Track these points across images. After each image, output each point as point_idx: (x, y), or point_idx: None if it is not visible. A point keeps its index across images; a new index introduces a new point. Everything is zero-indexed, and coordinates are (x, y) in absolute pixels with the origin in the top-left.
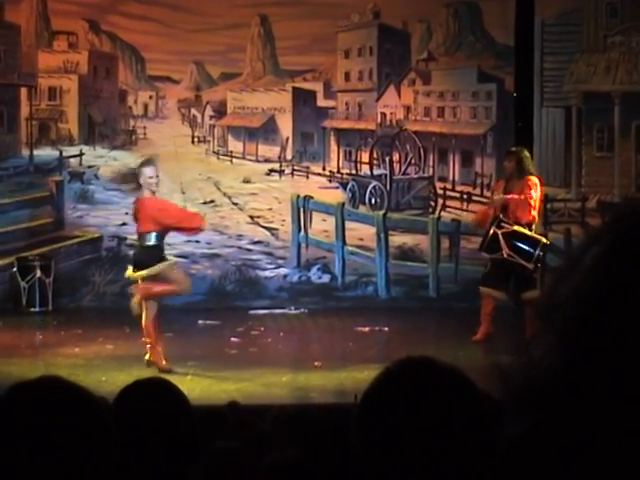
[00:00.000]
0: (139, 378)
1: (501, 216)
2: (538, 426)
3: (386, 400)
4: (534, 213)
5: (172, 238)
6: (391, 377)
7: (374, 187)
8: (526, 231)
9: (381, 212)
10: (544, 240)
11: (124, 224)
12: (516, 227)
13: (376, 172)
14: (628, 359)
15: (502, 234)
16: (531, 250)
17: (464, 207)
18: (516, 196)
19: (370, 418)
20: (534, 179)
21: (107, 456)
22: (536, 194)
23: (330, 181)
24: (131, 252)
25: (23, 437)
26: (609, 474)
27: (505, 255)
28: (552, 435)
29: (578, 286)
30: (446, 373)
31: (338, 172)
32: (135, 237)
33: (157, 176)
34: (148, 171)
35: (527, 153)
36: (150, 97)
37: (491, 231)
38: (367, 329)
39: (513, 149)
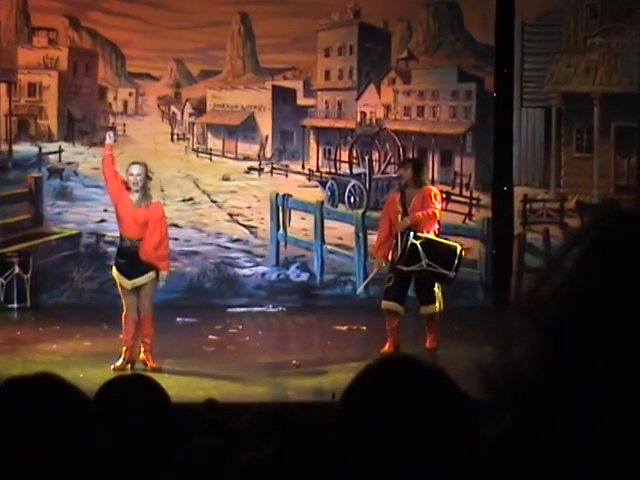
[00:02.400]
0: (120, 374)
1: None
2: (520, 423)
3: (367, 397)
4: (438, 217)
5: None
6: (372, 374)
7: (353, 186)
8: (442, 240)
9: (360, 211)
10: (459, 246)
11: (103, 221)
12: (430, 236)
13: (355, 171)
14: (610, 356)
15: (420, 244)
16: (450, 257)
17: (443, 207)
18: (420, 214)
19: (351, 415)
20: (433, 189)
21: (94, 455)
22: (439, 204)
23: (309, 179)
24: (110, 249)
25: (13, 433)
26: (589, 469)
27: (425, 265)
28: (533, 432)
29: (560, 286)
30: (427, 371)
31: (317, 171)
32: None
33: (139, 175)
34: (131, 169)
35: (422, 163)
36: (130, 94)
37: (409, 243)
38: (345, 328)
39: (408, 158)
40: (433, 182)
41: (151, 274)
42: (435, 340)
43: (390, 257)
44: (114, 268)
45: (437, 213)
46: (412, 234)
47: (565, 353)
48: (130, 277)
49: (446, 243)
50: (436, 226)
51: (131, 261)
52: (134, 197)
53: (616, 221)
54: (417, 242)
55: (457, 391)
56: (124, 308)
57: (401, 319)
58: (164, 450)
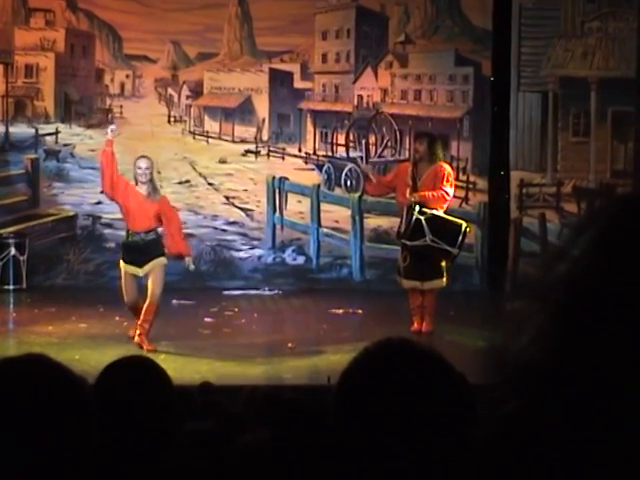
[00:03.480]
0: (122, 356)
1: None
2: (527, 407)
3: (364, 381)
4: (448, 200)
5: None
6: (370, 357)
7: (350, 169)
8: (448, 216)
9: (357, 194)
10: (465, 224)
11: (99, 203)
12: (436, 212)
13: (352, 154)
14: (618, 341)
15: (425, 220)
16: (454, 235)
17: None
18: (429, 194)
19: (348, 398)
20: (446, 168)
21: (88, 437)
22: (450, 189)
23: (306, 163)
24: (106, 231)
25: (4, 414)
26: (597, 453)
27: (429, 241)
28: (540, 416)
29: (568, 270)
30: (424, 355)
31: (314, 154)
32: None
33: (147, 169)
34: (139, 163)
35: (437, 137)
36: (127, 76)
37: (413, 218)
38: (341, 311)
39: (423, 132)
40: None
41: (161, 259)
42: (431, 323)
43: (396, 232)
44: (122, 262)
45: (446, 196)
46: (417, 208)
47: (573, 337)
48: (141, 266)
49: (451, 220)
50: (448, 201)
51: (139, 255)
52: (143, 190)
53: (624, 207)
54: (422, 217)
55: (455, 374)
56: (126, 301)
57: (423, 296)
58: (165, 433)
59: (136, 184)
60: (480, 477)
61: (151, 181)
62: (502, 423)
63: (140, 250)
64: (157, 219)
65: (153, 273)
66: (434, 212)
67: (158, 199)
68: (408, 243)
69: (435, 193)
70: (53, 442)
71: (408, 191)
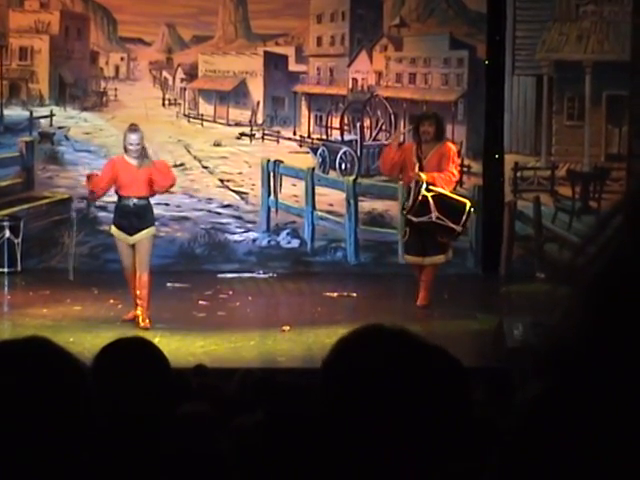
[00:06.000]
0: (119, 337)
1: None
2: (556, 388)
3: (353, 362)
4: (454, 180)
5: None
6: (357, 341)
7: (344, 152)
8: (453, 195)
9: (351, 178)
10: (469, 203)
11: None
12: (442, 190)
13: (347, 137)
14: None
15: (432, 197)
16: (459, 213)
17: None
18: (437, 176)
19: (336, 380)
20: (452, 147)
21: (87, 419)
22: (456, 169)
23: (300, 146)
24: (101, 214)
25: (6, 396)
26: (623, 439)
27: (434, 218)
28: (569, 397)
29: (600, 253)
30: (414, 338)
31: (309, 137)
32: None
33: (138, 143)
34: (129, 137)
35: (442, 117)
36: (121, 59)
37: (420, 195)
38: (335, 294)
39: (430, 113)
40: None
41: (151, 229)
42: (427, 298)
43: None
44: (113, 227)
45: (453, 177)
46: (424, 185)
47: (603, 322)
48: (131, 234)
49: (456, 198)
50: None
51: (131, 219)
52: (135, 161)
53: None
54: (429, 195)
55: (448, 357)
56: (123, 266)
57: (422, 270)
58: (163, 414)
59: (125, 152)
60: (508, 465)
61: (142, 151)
62: (529, 408)
63: (130, 215)
64: (149, 185)
65: (141, 244)
66: (440, 190)
67: (149, 165)
68: (414, 219)
69: (443, 175)
70: (54, 424)
71: (417, 168)
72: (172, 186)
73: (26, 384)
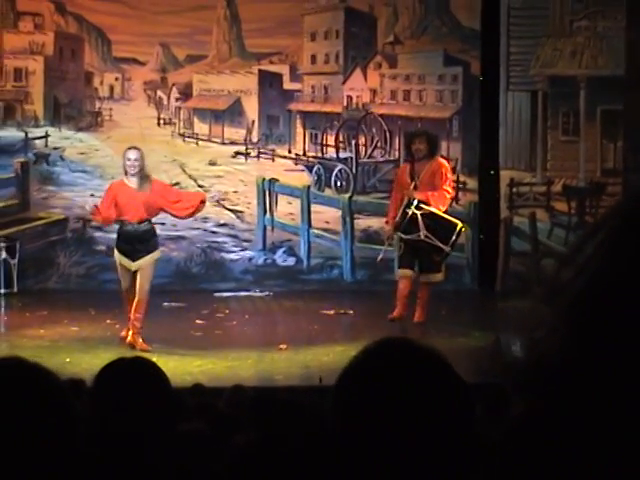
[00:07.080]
0: (119, 358)
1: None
2: (540, 407)
3: (365, 381)
4: (448, 198)
5: None
6: (370, 357)
7: (340, 170)
8: (444, 214)
9: (347, 195)
10: (460, 224)
11: None
12: (434, 209)
13: (342, 155)
14: (631, 342)
15: (421, 215)
16: (448, 233)
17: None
18: (431, 195)
19: (348, 399)
20: (445, 164)
21: (70, 437)
22: (450, 186)
23: (296, 164)
24: (97, 234)
25: None
26: (609, 456)
27: (422, 236)
28: (553, 415)
29: (581, 270)
30: (425, 354)
31: (304, 155)
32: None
33: (136, 160)
34: (128, 154)
35: (434, 135)
36: (116, 79)
37: (409, 212)
38: (332, 312)
39: (421, 130)
40: None
41: (154, 254)
42: (424, 315)
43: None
44: (116, 251)
45: (447, 195)
46: (415, 203)
47: (586, 338)
48: (134, 260)
49: (447, 218)
50: (448, 200)
51: (134, 244)
52: (133, 182)
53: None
54: (418, 212)
55: (455, 374)
56: (122, 287)
57: (412, 287)
58: (163, 433)
59: (125, 174)
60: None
61: (141, 172)
62: (513, 426)
63: (133, 240)
64: (150, 210)
65: (143, 269)
66: (431, 209)
67: (149, 188)
68: (403, 236)
69: (437, 193)
70: (33, 443)
71: (411, 187)
72: (203, 202)
73: (6, 404)
